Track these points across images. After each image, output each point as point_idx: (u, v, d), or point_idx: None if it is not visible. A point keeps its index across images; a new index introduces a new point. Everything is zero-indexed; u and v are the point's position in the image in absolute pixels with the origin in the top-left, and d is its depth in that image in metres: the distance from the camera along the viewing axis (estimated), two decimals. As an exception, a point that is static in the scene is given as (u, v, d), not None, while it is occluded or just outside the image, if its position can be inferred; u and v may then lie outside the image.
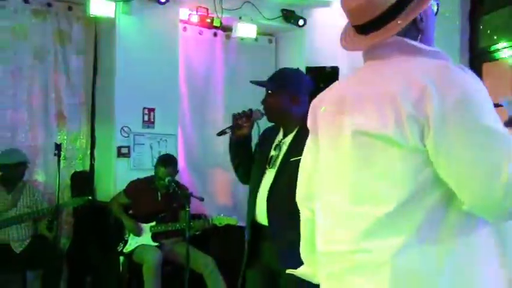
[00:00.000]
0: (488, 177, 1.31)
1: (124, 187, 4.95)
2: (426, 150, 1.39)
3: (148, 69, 5.42)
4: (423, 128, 1.37)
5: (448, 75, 1.39)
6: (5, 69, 5.12)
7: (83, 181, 5.46)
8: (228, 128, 3.01)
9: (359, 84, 1.57)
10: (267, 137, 2.97)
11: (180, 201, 4.50)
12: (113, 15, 5.22)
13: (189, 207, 3.82)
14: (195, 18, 5.73)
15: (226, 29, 6.06)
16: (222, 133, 3.03)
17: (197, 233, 4.54)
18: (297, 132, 2.83)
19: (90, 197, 4.95)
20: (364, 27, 1.57)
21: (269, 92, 2.89)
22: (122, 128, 5.39)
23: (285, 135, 2.88)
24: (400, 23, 1.51)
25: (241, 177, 3.09)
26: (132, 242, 4.76)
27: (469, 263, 1.41)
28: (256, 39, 6.20)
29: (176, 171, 4.86)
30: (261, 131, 3.08)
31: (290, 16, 6.01)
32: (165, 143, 5.55)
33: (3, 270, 4.58)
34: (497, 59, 4.87)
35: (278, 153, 2.84)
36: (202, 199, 4.42)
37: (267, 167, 2.85)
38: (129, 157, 5.45)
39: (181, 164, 5.19)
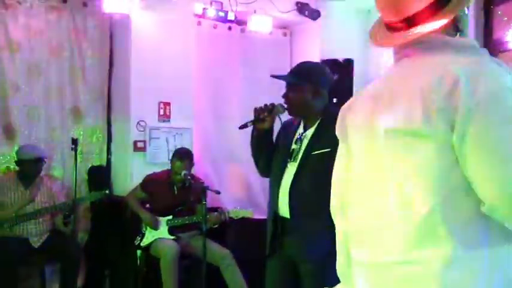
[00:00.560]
0: (511, 178, 1.28)
1: (140, 181, 4.98)
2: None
3: (163, 64, 5.44)
4: (453, 120, 1.33)
5: (482, 69, 1.37)
6: (22, 65, 5.16)
7: (99, 175, 5.49)
8: (250, 121, 3.02)
9: (391, 82, 1.56)
10: (287, 130, 3.00)
11: (197, 194, 4.53)
12: (127, 12, 5.24)
13: (205, 201, 3.84)
14: (209, 12, 5.74)
15: (241, 23, 6.10)
16: (243, 126, 3.05)
17: (215, 226, 4.56)
18: (318, 125, 2.86)
19: (107, 191, 5.03)
20: (399, 24, 1.55)
21: (291, 85, 2.90)
22: (137, 123, 5.41)
23: (305, 129, 2.90)
24: (440, 20, 1.48)
25: (262, 170, 3.11)
26: (149, 236, 4.78)
27: None
28: (270, 33, 6.21)
29: (192, 165, 4.88)
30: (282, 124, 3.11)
31: (305, 9, 6.01)
32: (181, 137, 5.57)
33: (22, 264, 4.62)
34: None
35: (299, 147, 2.86)
36: (218, 192, 4.42)
37: (289, 160, 2.87)
38: (145, 151, 5.46)
39: (197, 157, 5.20)
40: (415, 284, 1.41)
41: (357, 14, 6.03)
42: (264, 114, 2.93)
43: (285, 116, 3.10)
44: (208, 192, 3.98)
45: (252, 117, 3.03)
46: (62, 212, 4.78)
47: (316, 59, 5.48)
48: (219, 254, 4.62)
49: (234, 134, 5.97)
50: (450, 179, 1.37)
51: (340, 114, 1.74)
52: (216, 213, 4.60)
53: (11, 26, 5.06)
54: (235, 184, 6.05)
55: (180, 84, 5.55)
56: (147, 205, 4.92)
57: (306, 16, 6.03)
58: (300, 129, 2.93)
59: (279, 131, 3.11)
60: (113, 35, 5.62)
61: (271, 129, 3.02)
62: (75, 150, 4.54)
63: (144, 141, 5.46)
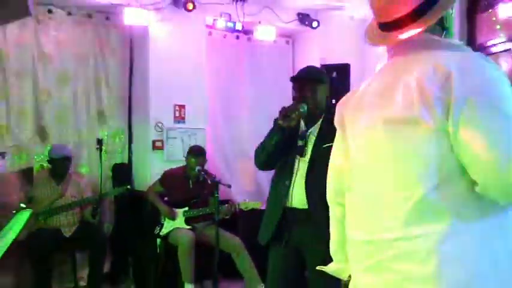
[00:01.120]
0: (502, 156, 1.27)
1: (159, 177, 4.96)
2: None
3: (178, 70, 5.42)
4: (448, 108, 1.33)
5: (471, 62, 1.38)
6: (53, 74, 5.17)
7: (122, 172, 5.49)
8: (280, 119, 2.76)
9: (387, 77, 1.54)
10: None
11: (210, 188, 4.46)
12: (146, 24, 5.24)
13: (217, 194, 3.76)
14: (219, 24, 5.74)
15: (248, 32, 6.06)
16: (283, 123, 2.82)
17: (226, 217, 4.50)
18: (322, 122, 2.81)
19: (129, 187, 4.99)
20: (390, 24, 1.54)
21: (314, 86, 2.81)
22: (155, 124, 5.41)
23: (307, 126, 2.84)
24: (428, 20, 1.48)
25: (267, 165, 2.97)
26: (168, 226, 4.75)
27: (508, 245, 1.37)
28: (274, 41, 6.20)
29: (205, 161, 4.83)
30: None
31: (305, 19, 6.00)
32: (195, 136, 5.53)
33: (56, 252, 4.64)
34: (494, 53, 4.80)
35: (306, 143, 2.80)
36: (229, 186, 4.37)
37: (298, 156, 2.79)
38: (162, 150, 5.45)
39: (209, 154, 5.16)
40: (414, 256, 1.38)
41: (352, 23, 5.94)
42: (294, 113, 2.75)
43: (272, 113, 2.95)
44: (220, 186, 3.92)
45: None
46: (90, 205, 4.74)
47: (316, 63, 5.35)
48: (231, 242, 4.57)
49: (243, 133, 6.04)
50: (447, 162, 1.36)
51: (337, 108, 1.73)
52: (227, 205, 4.58)
53: (43, 39, 5.08)
54: (245, 178, 6.02)
55: (193, 88, 5.53)
56: (165, 198, 4.88)
57: (307, 25, 6.03)
58: (302, 127, 2.85)
59: (274, 120, 2.93)
60: (132, 45, 5.61)
61: (297, 128, 2.85)
62: (100, 149, 4.57)
63: (162, 141, 5.44)
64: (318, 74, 2.91)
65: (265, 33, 5.92)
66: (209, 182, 4.29)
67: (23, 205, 3.98)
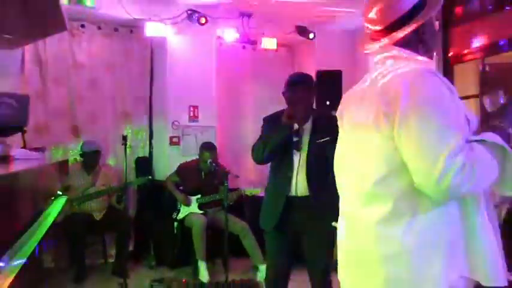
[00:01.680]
0: (429, 164, 1.32)
1: (175, 169, 4.99)
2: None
3: (192, 76, 5.51)
4: (393, 121, 1.40)
5: (420, 82, 1.39)
6: (84, 80, 5.29)
7: (144, 164, 5.55)
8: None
9: (365, 85, 1.58)
10: (276, 124, 2.84)
11: (220, 178, 4.55)
12: (164, 36, 5.34)
13: (227, 183, 3.72)
14: (228, 35, 5.81)
15: (253, 43, 6.13)
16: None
17: (231, 203, 4.40)
18: (312, 121, 2.86)
19: (150, 177, 5.06)
20: (373, 35, 1.58)
21: (305, 90, 2.81)
22: (173, 122, 5.53)
23: (299, 124, 2.84)
24: (398, 33, 1.51)
25: (265, 160, 2.90)
26: (183, 211, 4.81)
27: (436, 229, 1.42)
28: (276, 50, 6.23)
29: (216, 155, 4.81)
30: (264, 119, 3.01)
31: (303, 30, 6.02)
32: (207, 133, 5.57)
33: (88, 233, 4.73)
34: (466, 62, 4.83)
35: (300, 139, 2.80)
36: (237, 176, 4.42)
37: (295, 151, 2.80)
38: (179, 145, 5.54)
39: (219, 149, 5.09)
40: (364, 229, 1.52)
41: (344, 34, 6.01)
42: (298, 113, 2.78)
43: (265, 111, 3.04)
44: (229, 176, 3.88)
45: (262, 117, 3.02)
46: (116, 193, 4.79)
47: (312, 70, 5.47)
48: (238, 225, 4.61)
49: (248, 131, 6.10)
50: (393, 160, 1.43)
51: (339, 106, 1.76)
52: (235, 191, 4.64)
53: (76, 50, 5.24)
54: (250, 169, 5.99)
55: (205, 91, 5.61)
56: (181, 187, 4.90)
57: (304, 36, 6.05)
58: (294, 125, 2.82)
59: (264, 125, 2.98)
60: (153, 55, 5.65)
61: (292, 127, 2.85)
62: (125, 145, 4.39)
63: (178, 137, 5.55)
64: (310, 79, 2.92)
65: (268, 43, 6.00)
66: (219, 173, 4.35)
67: (59, 192, 4.03)
